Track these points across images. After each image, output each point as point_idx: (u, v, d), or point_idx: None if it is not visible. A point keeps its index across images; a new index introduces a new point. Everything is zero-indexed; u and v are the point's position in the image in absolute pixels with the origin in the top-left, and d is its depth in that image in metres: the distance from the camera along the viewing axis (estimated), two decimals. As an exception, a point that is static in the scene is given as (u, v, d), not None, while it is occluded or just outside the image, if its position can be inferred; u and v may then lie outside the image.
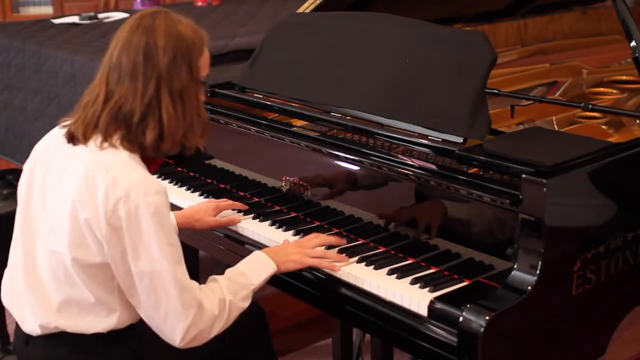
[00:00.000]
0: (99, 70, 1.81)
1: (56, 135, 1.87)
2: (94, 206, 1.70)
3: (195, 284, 1.77)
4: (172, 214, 2.17)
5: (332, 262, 1.94)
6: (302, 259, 1.94)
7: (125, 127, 1.76)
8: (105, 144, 1.75)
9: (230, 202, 2.25)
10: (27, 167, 1.89)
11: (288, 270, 1.95)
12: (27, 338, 1.87)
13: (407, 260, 1.94)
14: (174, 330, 1.74)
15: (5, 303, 1.93)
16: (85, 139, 1.77)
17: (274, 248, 1.99)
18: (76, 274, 1.75)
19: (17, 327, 1.92)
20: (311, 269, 1.98)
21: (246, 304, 1.85)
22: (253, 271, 1.89)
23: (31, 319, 1.83)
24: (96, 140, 1.76)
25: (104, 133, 1.76)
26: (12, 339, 2.06)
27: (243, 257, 2.01)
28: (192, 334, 1.74)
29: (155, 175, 2.58)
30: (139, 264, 1.70)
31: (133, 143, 1.76)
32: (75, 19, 4.40)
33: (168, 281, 1.71)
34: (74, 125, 1.80)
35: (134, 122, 1.75)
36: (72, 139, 1.80)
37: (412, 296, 1.77)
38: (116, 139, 1.76)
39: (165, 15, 1.79)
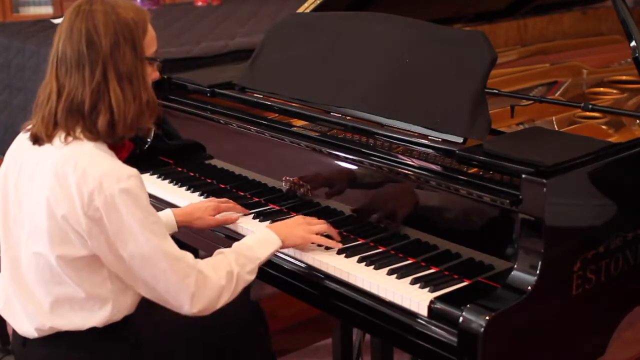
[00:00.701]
0: (47, 67, 1.81)
1: (22, 139, 1.87)
2: (69, 201, 1.70)
3: (187, 253, 1.79)
4: (170, 211, 2.17)
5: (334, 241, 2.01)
6: (307, 235, 1.99)
7: (82, 118, 1.76)
8: (70, 139, 1.76)
9: (232, 204, 2.24)
10: (0, 175, 1.89)
11: (293, 245, 1.99)
12: (24, 340, 1.87)
13: (407, 260, 1.94)
14: (179, 299, 1.76)
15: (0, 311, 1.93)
16: (49, 138, 1.77)
17: (280, 223, 2.02)
18: (63, 271, 1.75)
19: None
20: (311, 268, 1.99)
21: (252, 277, 1.88)
22: (259, 245, 1.92)
23: (26, 324, 1.83)
24: (60, 136, 1.77)
25: (65, 128, 1.76)
26: (11, 339, 2.06)
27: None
28: (201, 301, 1.77)
29: (155, 175, 2.59)
30: (127, 248, 1.71)
31: (93, 132, 1.76)
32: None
33: (159, 258, 1.72)
34: (35, 127, 1.80)
35: (86, 111, 1.75)
36: (36, 140, 1.80)
37: (412, 296, 1.77)
38: (79, 132, 1.76)
39: (102, 1, 1.79)
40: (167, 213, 2.16)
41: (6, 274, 1.87)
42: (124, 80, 1.76)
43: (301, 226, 2.00)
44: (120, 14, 1.77)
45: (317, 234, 2.01)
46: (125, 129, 1.78)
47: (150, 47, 1.84)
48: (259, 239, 1.94)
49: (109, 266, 1.75)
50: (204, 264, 1.81)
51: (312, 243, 2.01)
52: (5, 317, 1.92)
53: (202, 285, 1.77)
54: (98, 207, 1.69)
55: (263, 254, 1.92)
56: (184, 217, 2.18)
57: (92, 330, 1.81)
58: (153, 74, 1.86)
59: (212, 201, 2.25)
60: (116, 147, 1.82)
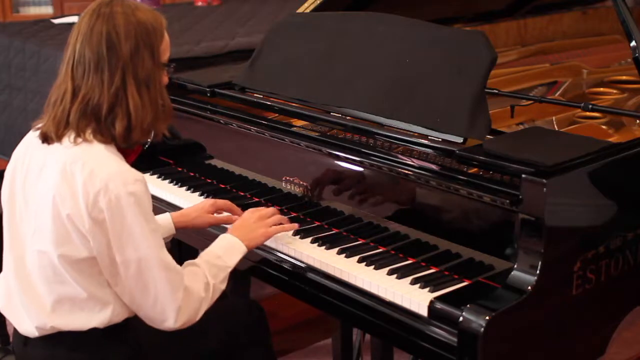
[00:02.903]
0: (62, 67, 1.81)
1: (31, 138, 1.88)
2: (75, 201, 1.71)
3: (180, 267, 1.81)
4: (168, 215, 2.17)
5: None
6: (266, 230, 2.02)
7: (95, 120, 1.76)
8: (79, 140, 1.76)
9: (230, 203, 2.24)
10: (7, 174, 1.90)
11: (256, 245, 2.02)
12: (26, 339, 1.87)
13: (407, 260, 1.94)
14: (165, 312, 1.76)
15: (1, 309, 1.93)
16: (59, 137, 1.78)
17: (239, 225, 2.04)
18: (65, 271, 1.76)
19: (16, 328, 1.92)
20: (311, 268, 1.99)
21: (224, 285, 1.91)
22: (227, 254, 1.94)
23: (27, 322, 1.84)
24: (69, 136, 1.77)
25: (76, 129, 1.76)
26: (12, 339, 2.06)
27: (244, 257, 2.02)
28: (184, 315, 1.78)
29: (155, 175, 2.59)
30: (125, 252, 1.72)
31: (105, 135, 1.77)
32: (75, 19, 4.39)
33: (155, 266, 1.73)
34: (45, 125, 1.81)
35: (103, 115, 1.75)
36: (45, 139, 1.80)
37: (412, 296, 1.77)
38: (89, 134, 1.77)
39: (122, 2, 1.80)
40: (164, 216, 2.16)
41: (10, 272, 1.87)
42: (142, 85, 1.77)
43: (258, 223, 2.03)
44: (140, 18, 1.78)
45: (273, 224, 2.05)
46: (142, 134, 1.79)
47: (165, 53, 1.85)
48: (225, 248, 1.95)
49: (103, 269, 1.75)
50: (186, 277, 1.81)
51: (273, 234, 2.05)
52: (6, 315, 1.92)
53: (187, 300, 1.78)
54: (102, 209, 1.69)
55: (232, 262, 1.93)
56: (181, 218, 2.18)
57: (93, 332, 1.81)
58: (164, 79, 1.87)
59: (209, 200, 2.25)
60: (125, 151, 1.83)
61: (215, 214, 2.20)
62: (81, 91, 1.76)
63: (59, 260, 1.75)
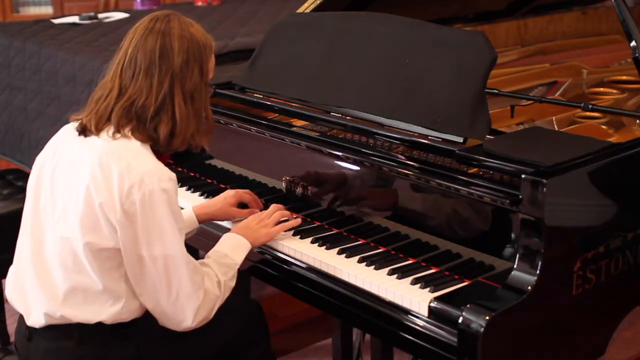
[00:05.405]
0: (110, 68, 1.88)
1: (68, 130, 1.92)
2: (109, 191, 1.75)
3: (200, 267, 1.86)
4: (190, 209, 2.19)
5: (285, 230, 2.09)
6: (270, 230, 2.06)
7: (136, 120, 1.82)
8: (118, 135, 1.82)
9: (250, 192, 2.25)
10: (37, 163, 1.93)
11: (260, 244, 2.07)
12: (30, 334, 1.88)
13: (408, 260, 1.94)
14: (185, 311, 1.80)
15: (10, 299, 1.95)
16: (98, 130, 1.83)
17: (242, 226, 2.07)
18: (86, 259, 1.78)
19: (19, 324, 1.93)
20: (311, 268, 1.99)
21: (234, 283, 1.95)
22: (234, 252, 1.98)
23: (36, 309, 1.85)
24: (108, 131, 1.83)
25: (116, 125, 1.82)
26: (12, 339, 2.06)
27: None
28: (202, 314, 1.83)
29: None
30: (153, 248, 1.76)
31: (143, 134, 1.83)
32: (75, 19, 4.40)
33: (181, 264, 1.78)
34: (86, 118, 1.86)
35: (148, 117, 1.82)
36: (83, 130, 1.86)
37: (412, 296, 1.78)
38: (128, 130, 1.82)
39: (178, 18, 1.87)
40: (186, 210, 2.17)
41: (26, 258, 1.89)
42: (187, 96, 1.84)
43: (260, 224, 2.07)
44: (194, 35, 1.87)
45: (275, 223, 2.08)
46: (183, 142, 1.86)
47: (211, 72, 1.92)
48: (232, 246, 2.00)
49: (126, 264, 1.78)
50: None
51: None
52: (13, 303, 1.93)
53: (205, 299, 1.83)
54: (135, 202, 1.74)
55: (239, 259, 1.98)
56: (203, 210, 2.20)
57: (100, 327, 1.82)
58: None
59: (231, 191, 2.25)
60: (156, 154, 1.86)
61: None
62: (127, 92, 1.82)
63: (83, 249, 1.78)
